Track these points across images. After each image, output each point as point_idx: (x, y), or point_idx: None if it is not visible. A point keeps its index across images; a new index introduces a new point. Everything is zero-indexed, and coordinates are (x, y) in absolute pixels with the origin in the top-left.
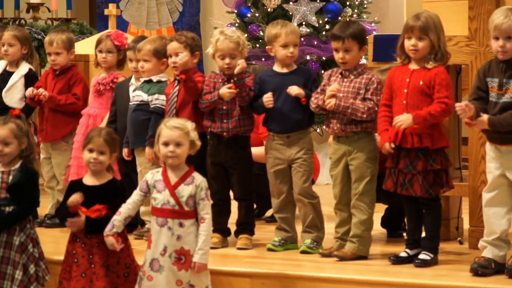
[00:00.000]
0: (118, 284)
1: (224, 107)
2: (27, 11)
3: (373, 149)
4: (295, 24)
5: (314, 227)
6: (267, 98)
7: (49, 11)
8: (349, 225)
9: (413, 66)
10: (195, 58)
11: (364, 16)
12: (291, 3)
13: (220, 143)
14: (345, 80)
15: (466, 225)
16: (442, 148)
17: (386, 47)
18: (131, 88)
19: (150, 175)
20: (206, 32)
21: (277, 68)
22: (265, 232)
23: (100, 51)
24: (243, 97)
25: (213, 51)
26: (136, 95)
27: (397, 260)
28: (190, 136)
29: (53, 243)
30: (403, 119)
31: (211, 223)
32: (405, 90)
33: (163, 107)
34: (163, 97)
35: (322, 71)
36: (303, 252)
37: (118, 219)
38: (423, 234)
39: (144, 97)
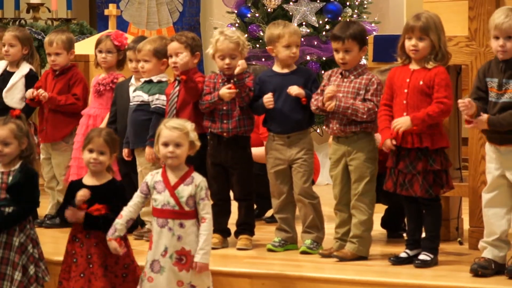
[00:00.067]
0: (116, 284)
1: (224, 108)
2: (27, 11)
3: (372, 149)
4: (295, 25)
5: (314, 227)
6: (268, 99)
7: (49, 11)
8: (349, 225)
9: (413, 66)
10: (195, 58)
11: (364, 16)
12: (291, 3)
13: (220, 144)
14: (345, 80)
15: (466, 225)
16: (442, 148)
17: (386, 48)
18: (131, 89)
19: (149, 177)
20: (206, 32)
21: (277, 68)
22: (265, 232)
23: (100, 51)
24: (242, 97)
25: (213, 51)
26: (137, 96)
27: (397, 260)
28: (189, 136)
29: (53, 243)
30: (401, 122)
31: (211, 222)
32: (406, 90)
33: (164, 107)
34: (163, 97)
35: (322, 72)
36: (303, 252)
37: (120, 222)
38: (423, 235)
39: (145, 97)
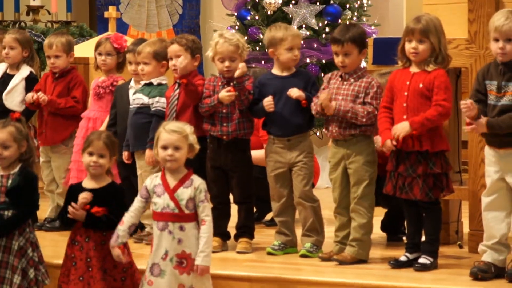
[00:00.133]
0: None
1: (224, 111)
2: (27, 14)
3: (371, 152)
4: (295, 27)
5: (314, 230)
6: (268, 102)
7: (49, 13)
8: (349, 229)
9: (413, 69)
10: (195, 61)
11: (364, 19)
12: (291, 5)
13: (220, 147)
14: (345, 83)
15: (466, 229)
16: (442, 151)
17: (386, 50)
18: (130, 91)
19: (149, 181)
20: (206, 35)
21: (276, 71)
22: (265, 235)
23: (100, 54)
24: (242, 100)
25: (213, 54)
26: (137, 98)
27: (396, 264)
28: (188, 139)
29: (53, 246)
30: (400, 128)
31: (211, 225)
32: (406, 93)
33: (164, 109)
34: (163, 99)
35: (322, 74)
36: (302, 256)
37: (122, 228)
38: (423, 238)
39: (145, 100)
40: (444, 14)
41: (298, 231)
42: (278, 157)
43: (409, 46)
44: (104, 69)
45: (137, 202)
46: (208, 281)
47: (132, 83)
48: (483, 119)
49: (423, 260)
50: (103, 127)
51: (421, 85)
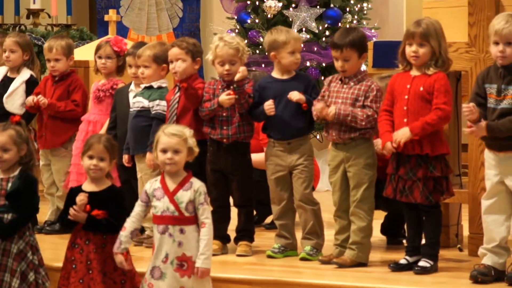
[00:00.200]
0: None
1: (224, 114)
2: (27, 17)
3: (371, 155)
4: (295, 30)
5: (314, 233)
6: (269, 106)
7: (49, 17)
8: (348, 232)
9: (414, 72)
10: (196, 64)
11: (364, 22)
12: (291, 9)
13: (220, 150)
14: (345, 86)
15: (466, 232)
16: (443, 155)
17: (386, 53)
18: (131, 94)
19: (148, 185)
20: (206, 38)
21: (276, 74)
22: (265, 238)
23: (100, 57)
24: (242, 104)
25: (213, 57)
26: (137, 101)
27: (396, 267)
28: (188, 143)
29: (53, 249)
30: (401, 134)
31: (211, 227)
32: (406, 96)
33: (164, 113)
34: (164, 103)
35: (322, 77)
36: (302, 259)
37: (124, 234)
38: (423, 241)
39: (145, 103)
40: (444, 18)
41: (298, 234)
42: (279, 160)
43: (409, 50)
44: (104, 73)
45: (138, 207)
46: (209, 283)
47: (132, 86)
48: (483, 123)
49: (423, 263)
50: (103, 130)
51: (421, 89)
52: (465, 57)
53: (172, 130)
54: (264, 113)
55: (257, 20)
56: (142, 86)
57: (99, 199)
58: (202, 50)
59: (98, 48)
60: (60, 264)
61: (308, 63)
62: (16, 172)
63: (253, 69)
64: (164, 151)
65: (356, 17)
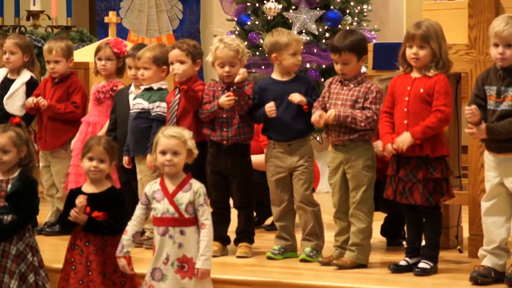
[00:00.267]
0: None
1: (224, 116)
2: (27, 19)
3: (370, 157)
4: (295, 32)
5: (314, 235)
6: (270, 108)
7: (49, 18)
8: (348, 233)
9: (414, 74)
10: (196, 66)
11: (364, 24)
12: (291, 11)
13: (220, 151)
14: (345, 88)
15: (465, 233)
16: (443, 156)
17: (386, 55)
18: (131, 96)
19: (148, 187)
20: (206, 40)
21: (277, 76)
22: (265, 240)
23: (99, 59)
24: (241, 106)
25: (213, 59)
26: (137, 103)
27: (396, 268)
28: (187, 144)
29: (53, 251)
30: (403, 140)
31: (211, 228)
32: (406, 98)
33: (164, 114)
34: (164, 104)
35: (322, 79)
36: (302, 260)
37: (126, 238)
38: (423, 243)
39: (145, 105)
40: (444, 20)
41: (298, 236)
42: (279, 162)
43: (409, 52)
44: (104, 74)
45: (138, 210)
46: (209, 285)
47: (132, 88)
48: (483, 125)
49: (423, 264)
50: (102, 132)
51: (421, 90)
52: (465, 59)
53: (171, 132)
54: (265, 115)
55: (257, 22)
56: (142, 87)
57: (99, 200)
58: (202, 52)
59: (98, 50)
60: (60, 266)
61: (308, 65)
62: (16, 174)
63: (253, 71)
64: (163, 152)
65: (356, 19)
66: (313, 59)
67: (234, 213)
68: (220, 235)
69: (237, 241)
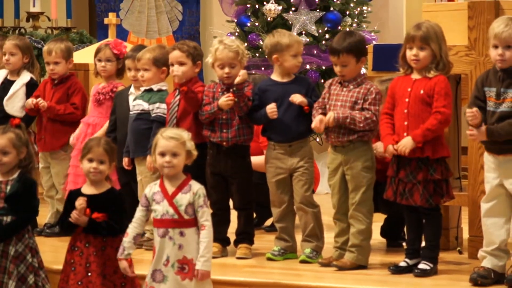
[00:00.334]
0: None
1: (224, 117)
2: (27, 20)
3: (369, 158)
4: (295, 34)
5: (314, 236)
6: (271, 109)
7: (49, 20)
8: (348, 234)
9: (415, 76)
10: (196, 68)
11: (364, 26)
12: (291, 12)
13: (220, 153)
14: (344, 89)
15: (465, 234)
16: (443, 158)
17: (386, 57)
18: (130, 97)
19: (148, 189)
20: (206, 41)
21: (277, 77)
22: (265, 241)
23: (99, 60)
24: (241, 107)
25: (212, 60)
26: (137, 104)
27: (396, 269)
28: (186, 146)
29: (53, 252)
30: (405, 144)
31: (211, 229)
32: (407, 100)
33: (164, 115)
34: (164, 106)
35: (322, 81)
36: (302, 261)
37: (127, 240)
38: (423, 244)
39: (145, 106)
40: (444, 21)
41: (298, 237)
42: (279, 163)
43: (410, 53)
44: (104, 75)
45: (139, 212)
46: (210, 286)
47: (132, 89)
48: (483, 127)
49: (423, 265)
50: (100, 132)
51: (422, 92)
52: (465, 60)
53: (170, 134)
54: (266, 116)
55: (257, 23)
56: (142, 89)
57: (98, 202)
58: (202, 53)
59: (97, 51)
60: (60, 267)
61: (308, 66)
62: (15, 175)
63: (253, 72)
64: (162, 154)
65: (356, 20)
66: (313, 60)
67: (234, 214)
68: (220, 236)
69: (237, 242)
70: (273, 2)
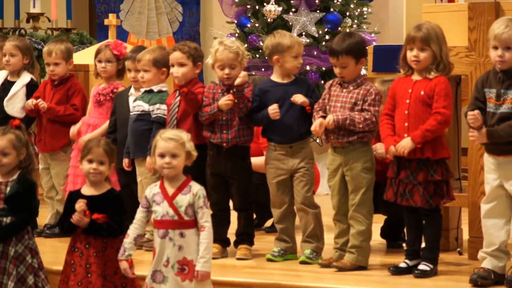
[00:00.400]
0: None
1: (224, 118)
2: (27, 21)
3: (369, 159)
4: (295, 35)
5: (314, 237)
6: (274, 110)
7: (49, 21)
8: (348, 235)
9: (415, 77)
10: (197, 69)
11: (364, 27)
12: (291, 13)
13: (220, 154)
14: (344, 90)
15: (465, 235)
16: (443, 159)
17: (386, 58)
18: (130, 99)
19: (148, 190)
20: (206, 42)
21: (277, 78)
22: (265, 242)
23: (100, 61)
24: (240, 108)
25: (213, 61)
26: (137, 105)
27: (396, 270)
28: (185, 147)
29: (53, 253)
30: (404, 144)
31: (211, 231)
32: (407, 101)
33: (165, 116)
34: (164, 106)
35: (322, 82)
36: (302, 262)
37: (128, 241)
38: (423, 245)
39: (145, 107)
40: (444, 22)
41: (298, 238)
42: (280, 164)
43: (410, 54)
44: (104, 76)
45: (139, 213)
46: (210, 287)
47: (132, 91)
48: (484, 129)
49: (423, 266)
50: (97, 132)
51: (422, 93)
52: (465, 61)
53: (169, 135)
54: (268, 117)
55: (257, 25)
56: (142, 90)
57: (98, 202)
58: (203, 54)
59: (98, 52)
60: (60, 268)
61: (308, 67)
62: (15, 176)
63: (253, 73)
64: (162, 155)
65: (356, 21)
66: (313, 61)
67: (234, 215)
68: (220, 237)
69: (237, 243)
70: (273, 3)
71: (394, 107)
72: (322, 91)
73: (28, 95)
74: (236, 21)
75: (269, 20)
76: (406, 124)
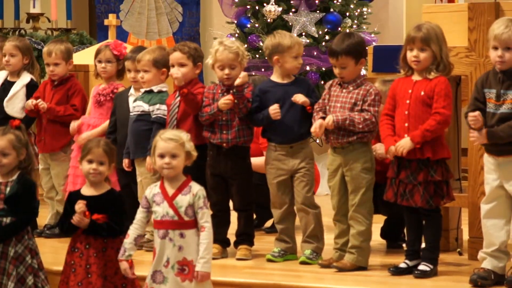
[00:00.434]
0: None
1: (224, 118)
2: (27, 21)
3: (369, 159)
4: (295, 35)
5: (314, 237)
6: (274, 110)
7: (49, 21)
8: (348, 236)
9: (416, 77)
10: (197, 69)
11: (364, 27)
12: (291, 13)
13: (220, 154)
14: (344, 91)
15: (465, 236)
16: (443, 159)
17: (386, 58)
18: (130, 99)
19: (148, 190)
20: (206, 43)
21: (277, 78)
22: (265, 242)
23: (100, 61)
24: (240, 109)
25: (213, 61)
26: (137, 106)
27: (396, 271)
28: (185, 147)
29: (53, 253)
30: (403, 144)
31: (211, 231)
32: (408, 101)
33: (165, 117)
34: (164, 107)
35: (322, 82)
36: (302, 262)
37: (128, 242)
38: (423, 245)
39: (145, 107)
40: (444, 22)
41: (298, 238)
42: (280, 164)
43: (410, 55)
44: (104, 77)
45: (139, 213)
46: (210, 287)
47: (132, 91)
48: (484, 130)
49: (423, 267)
50: (96, 131)
51: (422, 93)
52: (465, 62)
53: (169, 135)
54: (269, 117)
55: (257, 25)
56: (142, 90)
57: (98, 203)
58: (203, 55)
59: (98, 52)
60: (60, 268)
61: (308, 68)
62: (15, 177)
63: (253, 73)
64: (162, 156)
65: (356, 21)
66: (313, 61)
67: (234, 216)
68: (220, 238)
69: (237, 244)
70: (273, 3)
71: (394, 107)
72: (322, 91)
73: (28, 96)
74: (236, 22)
75: (269, 20)
76: (406, 124)
